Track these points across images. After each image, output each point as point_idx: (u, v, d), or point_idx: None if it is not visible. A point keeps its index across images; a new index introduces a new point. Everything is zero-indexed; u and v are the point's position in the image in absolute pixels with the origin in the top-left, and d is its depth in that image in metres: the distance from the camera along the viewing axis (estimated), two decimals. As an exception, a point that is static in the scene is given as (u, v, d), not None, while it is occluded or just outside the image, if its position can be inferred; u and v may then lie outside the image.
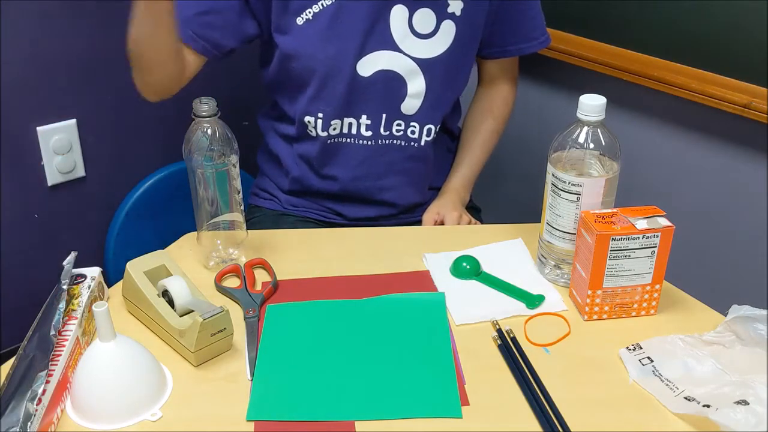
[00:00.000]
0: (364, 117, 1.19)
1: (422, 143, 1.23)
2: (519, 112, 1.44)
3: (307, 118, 1.20)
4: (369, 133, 1.20)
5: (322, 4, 1.12)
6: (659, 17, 1.32)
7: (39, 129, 1.39)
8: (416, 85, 1.18)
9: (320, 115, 1.19)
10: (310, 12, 1.12)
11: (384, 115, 1.19)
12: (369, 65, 1.15)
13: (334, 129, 1.20)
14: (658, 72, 1.34)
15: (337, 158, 1.23)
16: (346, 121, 1.20)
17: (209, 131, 0.95)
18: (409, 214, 1.31)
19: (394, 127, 1.21)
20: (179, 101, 1.50)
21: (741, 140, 1.29)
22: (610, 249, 0.88)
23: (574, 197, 0.93)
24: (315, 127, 1.20)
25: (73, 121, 1.43)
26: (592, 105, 0.90)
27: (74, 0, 1.35)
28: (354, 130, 1.20)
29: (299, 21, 1.13)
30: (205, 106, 0.94)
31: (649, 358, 0.84)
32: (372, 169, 1.24)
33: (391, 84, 1.17)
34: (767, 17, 1.16)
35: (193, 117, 0.95)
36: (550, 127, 1.12)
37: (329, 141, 1.21)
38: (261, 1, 1.14)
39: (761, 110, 1.20)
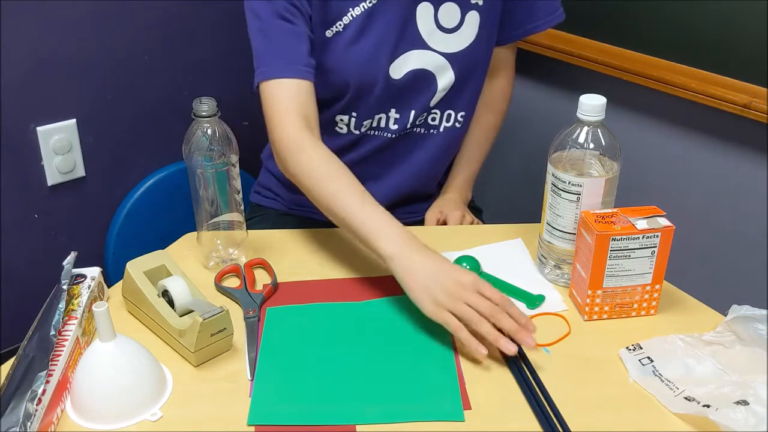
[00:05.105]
0: (393, 111, 1.19)
1: (441, 129, 1.23)
2: (519, 112, 1.44)
3: (339, 117, 1.19)
4: (396, 127, 1.20)
5: (351, 15, 1.11)
6: (659, 17, 1.32)
7: (39, 129, 1.39)
8: (446, 80, 1.17)
9: (354, 114, 1.18)
10: (341, 24, 1.11)
11: (413, 111, 1.19)
12: (401, 67, 1.15)
13: (365, 127, 1.20)
14: (658, 72, 1.34)
15: (357, 150, 1.23)
16: (377, 117, 1.19)
17: (209, 131, 0.95)
18: (415, 205, 1.30)
19: (418, 120, 1.21)
20: (179, 101, 1.51)
21: (741, 140, 1.29)
22: (610, 249, 0.88)
23: (574, 197, 0.93)
24: (348, 125, 1.20)
25: (73, 121, 1.43)
26: (592, 105, 0.90)
27: (74, 0, 1.35)
28: (383, 124, 1.20)
29: (328, 33, 1.12)
30: (205, 106, 0.94)
31: (649, 358, 0.84)
32: (386, 159, 1.23)
33: (423, 82, 1.17)
34: (767, 17, 1.17)
35: (193, 117, 0.95)
36: (550, 127, 1.12)
37: (354, 137, 1.21)
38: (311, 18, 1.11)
39: (761, 110, 1.20)
